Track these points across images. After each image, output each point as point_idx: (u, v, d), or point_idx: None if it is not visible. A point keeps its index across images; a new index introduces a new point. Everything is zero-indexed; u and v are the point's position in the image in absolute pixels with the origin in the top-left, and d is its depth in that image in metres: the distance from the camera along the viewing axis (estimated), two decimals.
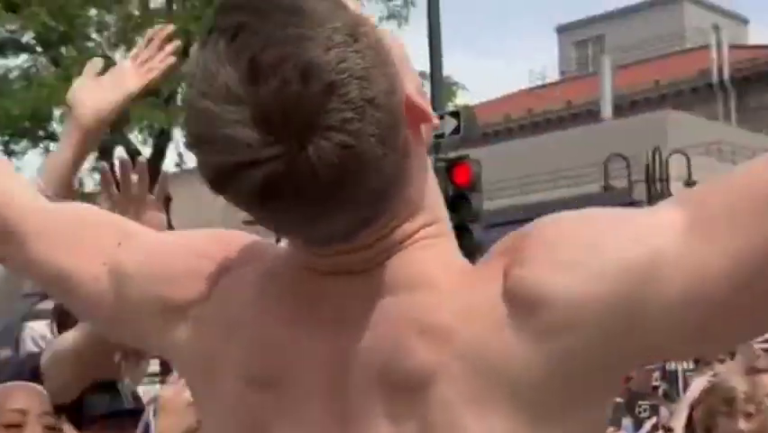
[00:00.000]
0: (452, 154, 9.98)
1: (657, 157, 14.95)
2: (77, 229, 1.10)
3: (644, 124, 21.69)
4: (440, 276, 0.92)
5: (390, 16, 15.14)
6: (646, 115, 24.30)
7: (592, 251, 0.86)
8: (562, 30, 38.05)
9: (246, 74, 0.82)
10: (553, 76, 36.50)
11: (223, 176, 0.85)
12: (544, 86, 34.60)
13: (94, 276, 1.07)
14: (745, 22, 36.74)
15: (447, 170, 9.66)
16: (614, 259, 0.85)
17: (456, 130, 9.99)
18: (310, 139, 0.82)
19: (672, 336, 0.86)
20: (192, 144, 0.87)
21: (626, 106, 27.35)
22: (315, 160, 0.82)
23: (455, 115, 10.24)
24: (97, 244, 1.08)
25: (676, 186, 14.81)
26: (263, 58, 0.81)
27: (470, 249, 8.85)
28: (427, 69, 11.42)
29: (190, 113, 0.86)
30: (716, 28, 30.60)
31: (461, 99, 14.72)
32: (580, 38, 36.71)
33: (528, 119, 29.35)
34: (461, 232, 9.44)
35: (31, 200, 1.14)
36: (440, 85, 11.19)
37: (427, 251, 0.94)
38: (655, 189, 14.29)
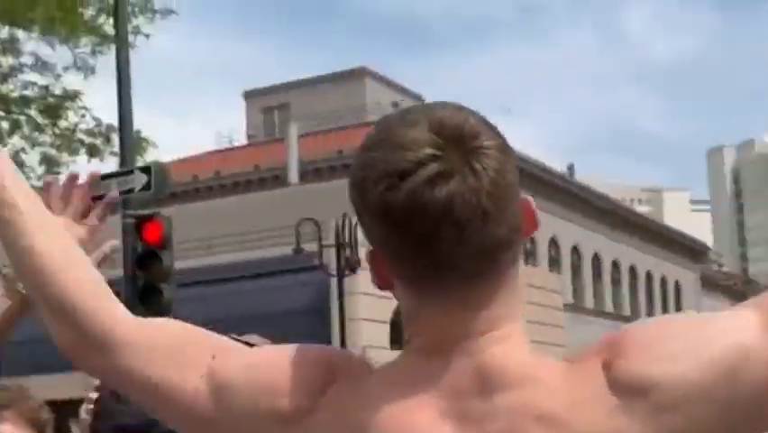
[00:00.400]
0: (141, 211, 9.50)
1: (347, 223, 15.36)
2: (174, 344, 1.17)
3: (331, 190, 22.22)
4: (540, 373, 1.07)
5: (76, 66, 14.25)
6: (334, 182, 24.96)
7: (687, 345, 1.04)
8: (249, 95, 38.49)
9: (419, 118, 1.08)
10: (241, 139, 36.73)
11: (402, 172, 1.04)
12: (231, 149, 34.65)
13: (193, 388, 1.14)
14: (421, 100, 39.14)
15: (137, 227, 9.19)
16: (707, 351, 1.04)
17: (147, 186, 9.54)
18: (472, 154, 1.05)
19: (759, 415, 1.05)
20: (372, 157, 1.07)
21: (310, 173, 27.96)
22: (478, 168, 1.05)
23: (146, 170, 9.77)
24: (195, 359, 1.15)
25: (363, 251, 15.17)
26: (434, 112, 1.09)
27: (161, 310, 8.41)
28: (116, 121, 10.91)
29: (369, 160, 1.07)
30: (395, 104, 32.26)
31: (150, 156, 14.11)
32: (266, 104, 37.27)
33: (216, 180, 29.12)
34: (152, 292, 8.98)
35: (122, 312, 1.20)
36: (129, 139, 10.71)
37: (519, 348, 1.09)
38: (344, 254, 14.70)
